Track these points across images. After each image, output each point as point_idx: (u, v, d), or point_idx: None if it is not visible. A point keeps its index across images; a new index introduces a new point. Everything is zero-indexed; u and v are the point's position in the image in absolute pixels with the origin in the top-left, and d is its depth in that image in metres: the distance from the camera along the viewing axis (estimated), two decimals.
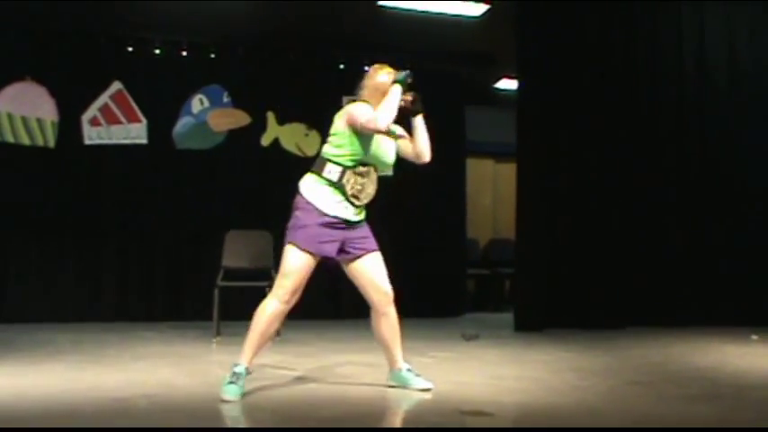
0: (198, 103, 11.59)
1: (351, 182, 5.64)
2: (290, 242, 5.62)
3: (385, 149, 5.80)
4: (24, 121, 10.83)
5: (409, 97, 5.83)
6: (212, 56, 11.70)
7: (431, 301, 12.17)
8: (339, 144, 5.69)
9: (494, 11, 10.59)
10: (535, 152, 10.36)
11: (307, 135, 11.79)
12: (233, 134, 11.65)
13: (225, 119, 11.64)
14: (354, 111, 5.67)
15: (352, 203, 5.68)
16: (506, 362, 7.51)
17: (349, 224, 5.71)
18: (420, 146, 5.94)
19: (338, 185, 5.63)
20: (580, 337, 9.40)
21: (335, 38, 11.74)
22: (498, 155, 14.81)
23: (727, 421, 5.03)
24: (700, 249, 10.73)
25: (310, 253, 5.57)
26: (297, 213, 5.67)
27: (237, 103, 11.71)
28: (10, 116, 10.77)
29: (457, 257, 12.96)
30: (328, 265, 5.84)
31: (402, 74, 5.82)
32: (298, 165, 11.23)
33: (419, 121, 5.94)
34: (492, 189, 15.38)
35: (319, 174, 5.68)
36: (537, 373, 6.77)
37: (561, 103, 10.47)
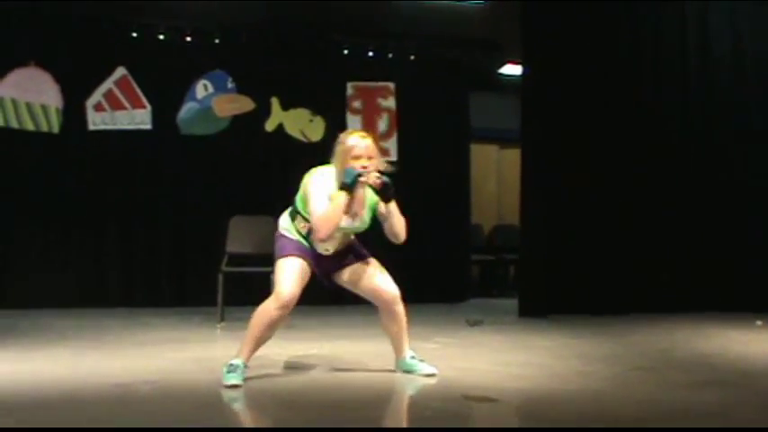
0: (202, 88, 11.58)
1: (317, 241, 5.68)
2: (278, 258, 5.70)
3: (347, 223, 5.69)
4: (29, 106, 10.83)
5: (378, 182, 5.56)
6: (216, 41, 11.67)
7: (435, 286, 12.17)
8: (305, 208, 5.68)
9: None
10: (539, 138, 10.34)
11: (311, 121, 11.77)
12: (237, 120, 11.64)
13: (229, 104, 11.62)
14: (311, 197, 5.58)
15: (322, 254, 5.76)
16: (511, 348, 7.50)
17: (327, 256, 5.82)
18: (394, 230, 5.78)
19: (307, 240, 5.72)
20: (584, 323, 9.39)
21: (340, 23, 11.72)
22: (503, 141, 14.78)
23: (732, 407, 5.02)
24: (704, 235, 10.70)
25: (301, 257, 5.64)
26: (281, 239, 5.80)
27: (242, 88, 11.69)
28: (14, 102, 10.76)
29: (461, 243, 12.96)
30: (326, 285, 5.92)
31: (348, 178, 5.49)
32: (302, 150, 11.36)
33: (391, 208, 5.73)
34: (496, 175, 15.36)
35: (293, 220, 5.78)
36: (541, 359, 6.76)
37: (565, 89, 10.44)
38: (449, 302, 11.92)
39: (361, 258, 5.88)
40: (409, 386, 5.69)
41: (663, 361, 6.81)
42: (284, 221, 5.84)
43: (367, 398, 5.31)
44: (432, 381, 5.74)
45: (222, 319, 9.13)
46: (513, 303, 10.59)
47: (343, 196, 5.49)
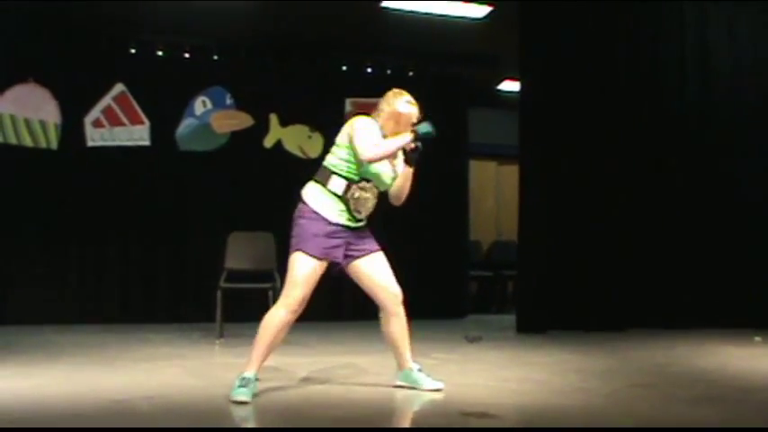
0: (201, 104, 11.59)
1: (355, 196, 5.65)
2: (297, 250, 5.58)
3: (386, 169, 5.78)
4: (27, 122, 10.83)
5: (412, 145, 5.68)
6: (215, 58, 11.69)
7: (434, 302, 12.15)
8: (344, 157, 5.67)
9: (497, 12, 10.59)
10: (538, 154, 10.36)
11: (309, 137, 11.78)
12: (236, 136, 11.65)
13: (228, 120, 11.64)
14: (358, 130, 5.61)
15: (354, 217, 5.69)
16: (509, 364, 7.51)
17: (351, 229, 5.71)
18: (399, 190, 5.87)
19: (343, 198, 5.63)
20: (583, 338, 9.40)
21: (338, 39, 11.75)
22: (501, 157, 14.81)
23: (731, 423, 5.02)
24: (701, 250, 10.71)
25: (319, 259, 5.56)
26: (301, 222, 5.63)
27: (240, 104, 11.70)
28: (13, 118, 10.77)
29: (460, 259, 12.97)
30: (333, 270, 5.80)
31: (425, 129, 5.63)
32: (300, 167, 11.34)
33: (408, 171, 5.82)
34: (495, 191, 15.38)
35: (323, 184, 5.66)
36: (540, 375, 6.77)
37: (564, 105, 10.46)
38: (447, 318, 11.91)
39: (374, 253, 5.83)
40: (408, 402, 5.69)
41: (661, 377, 6.81)
42: (312, 189, 5.70)
43: (366, 414, 5.30)
44: (437, 396, 5.73)
45: (221, 335, 9.12)
46: (511, 319, 10.60)
47: (408, 138, 5.61)
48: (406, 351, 5.97)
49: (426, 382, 5.91)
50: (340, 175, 5.64)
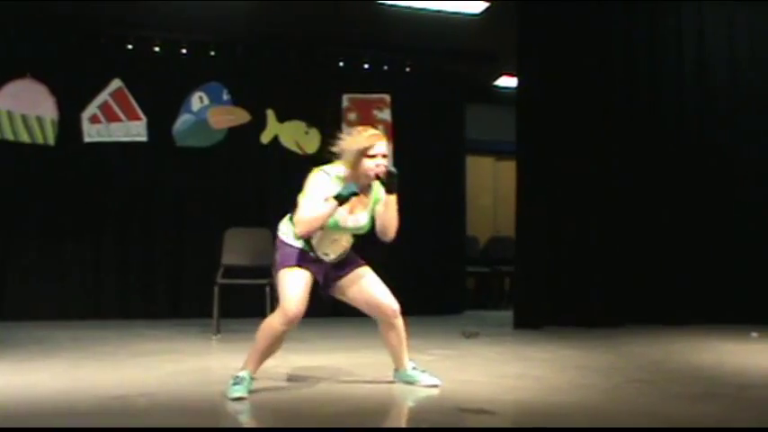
0: (198, 100, 11.58)
1: (321, 243, 5.66)
2: (281, 269, 5.62)
3: (354, 219, 5.68)
4: (24, 118, 10.81)
5: (384, 170, 5.54)
6: (212, 53, 11.67)
7: (431, 298, 12.16)
8: None
9: (493, 8, 10.59)
10: (535, 150, 10.35)
11: (307, 133, 11.77)
12: (233, 132, 11.64)
13: (225, 116, 11.62)
14: (304, 192, 5.55)
15: (323, 259, 5.70)
16: (507, 360, 7.50)
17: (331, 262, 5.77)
18: (384, 222, 5.72)
19: (308, 243, 5.64)
20: (580, 334, 9.41)
21: (335, 35, 11.74)
22: (498, 153, 14.83)
23: (729, 420, 5.02)
24: (699, 247, 10.72)
25: (304, 269, 5.58)
26: (279, 252, 5.71)
27: (237, 100, 11.69)
28: (10, 114, 10.75)
29: (457, 255, 12.96)
30: (323, 296, 5.84)
31: (345, 191, 5.44)
32: (298, 162, 11.36)
33: (391, 200, 5.66)
34: (492, 187, 15.40)
35: (294, 226, 5.64)
36: (538, 371, 6.76)
37: (561, 101, 10.46)
38: (444, 314, 11.92)
39: (359, 270, 5.83)
40: (406, 398, 5.69)
41: (659, 373, 6.81)
42: (284, 227, 5.75)
43: (364, 410, 5.30)
44: (433, 392, 5.74)
45: (218, 331, 9.11)
46: (508, 315, 10.59)
47: (333, 205, 5.43)
48: (403, 355, 5.98)
49: (423, 378, 5.93)
50: None
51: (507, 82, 13.20)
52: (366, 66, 12.31)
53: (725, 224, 10.79)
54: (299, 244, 5.63)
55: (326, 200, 5.43)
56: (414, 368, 5.99)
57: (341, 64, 12.15)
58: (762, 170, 10.92)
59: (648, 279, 10.54)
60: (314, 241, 5.63)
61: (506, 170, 13.55)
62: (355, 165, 5.58)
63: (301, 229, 5.47)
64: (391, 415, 5.51)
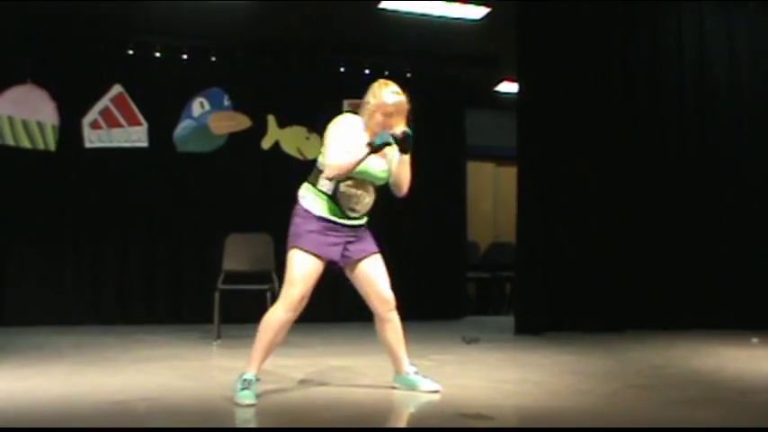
0: (198, 106, 11.59)
1: (345, 194, 5.58)
2: (293, 247, 5.56)
3: (374, 164, 5.67)
4: (25, 124, 10.83)
5: (398, 133, 5.58)
6: (213, 59, 11.69)
7: (431, 303, 12.16)
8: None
9: (494, 13, 10.60)
10: (536, 155, 10.35)
11: (307, 138, 11.78)
12: (234, 137, 11.65)
13: (225, 122, 11.64)
14: (332, 135, 5.57)
15: (348, 215, 5.65)
16: (507, 365, 7.50)
17: (349, 228, 5.68)
18: (398, 179, 5.81)
19: (333, 198, 5.59)
20: (580, 340, 9.40)
21: (336, 41, 11.76)
22: (499, 158, 14.83)
23: (729, 425, 5.02)
24: (699, 252, 10.72)
25: (316, 256, 5.52)
26: (297, 220, 5.62)
27: (238, 106, 11.70)
28: (11, 119, 10.77)
29: (457, 261, 12.96)
30: (333, 268, 5.78)
31: (379, 138, 5.52)
32: (298, 168, 11.33)
33: (404, 159, 5.75)
34: (493, 192, 15.39)
35: (314, 184, 5.64)
36: (538, 376, 6.76)
37: (562, 106, 10.46)
38: (445, 320, 11.92)
39: (373, 255, 5.80)
40: (406, 403, 5.68)
41: (659, 378, 6.81)
42: (304, 189, 5.68)
43: (363, 415, 5.31)
44: (434, 397, 5.73)
45: (218, 337, 9.11)
46: (508, 320, 10.61)
47: (366, 152, 5.48)
48: (401, 356, 5.96)
49: (423, 383, 5.91)
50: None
51: (508, 87, 13.21)
52: (367, 71, 12.30)
53: (725, 228, 10.80)
54: (322, 210, 5.58)
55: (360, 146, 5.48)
56: (415, 372, 5.97)
57: (342, 69, 12.16)
58: (763, 172, 10.91)
59: (648, 284, 10.54)
60: (340, 195, 5.57)
61: (507, 175, 13.54)
62: (374, 117, 5.66)
63: (332, 172, 5.47)
64: (391, 419, 5.52)
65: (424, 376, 5.97)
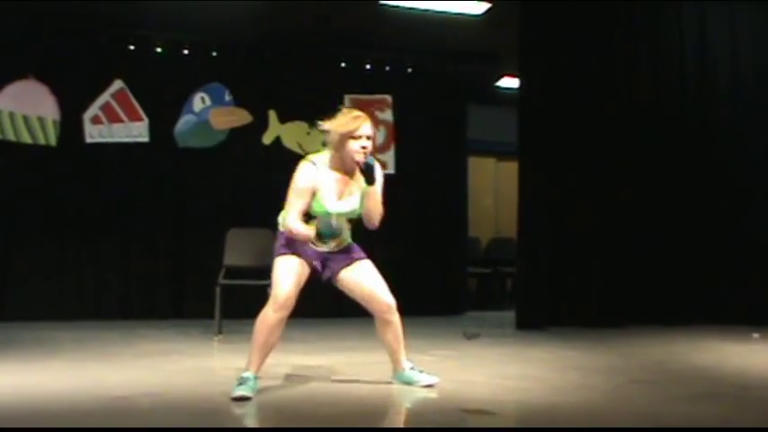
0: (199, 101, 11.59)
1: (317, 232, 5.70)
2: (276, 257, 5.72)
3: (344, 204, 5.73)
4: (26, 119, 10.82)
5: (362, 160, 5.60)
6: (214, 54, 11.68)
7: (432, 299, 12.17)
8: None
9: (495, 9, 10.59)
10: (537, 151, 10.36)
11: (308, 133, 11.76)
12: (234, 132, 11.65)
13: (226, 117, 11.63)
14: (291, 189, 5.71)
15: (325, 243, 5.78)
16: (508, 360, 7.50)
17: (326, 252, 5.82)
18: (368, 211, 5.76)
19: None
20: (582, 335, 9.41)
21: (337, 36, 11.75)
22: (500, 153, 14.81)
23: (731, 420, 5.02)
24: (701, 247, 10.72)
25: (297, 255, 5.65)
26: (278, 237, 5.82)
27: (239, 101, 11.70)
28: (11, 114, 10.76)
29: (459, 256, 12.97)
30: (323, 280, 5.86)
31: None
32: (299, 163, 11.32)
33: (371, 191, 5.68)
34: (494, 188, 15.39)
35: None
36: (539, 371, 6.76)
37: (563, 102, 10.47)
38: (446, 315, 11.92)
39: (360, 262, 5.85)
40: (407, 399, 5.68)
41: (661, 374, 6.81)
42: (281, 218, 5.80)
43: (364, 411, 5.30)
44: (432, 392, 5.73)
45: (220, 332, 9.11)
46: (510, 316, 10.61)
47: (309, 236, 5.62)
48: (400, 354, 5.99)
49: (421, 378, 5.93)
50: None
51: (509, 83, 13.19)
52: (368, 66, 12.32)
53: (726, 224, 10.79)
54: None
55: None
56: (411, 368, 5.99)
57: (343, 65, 12.16)
58: (765, 170, 10.91)
59: (650, 279, 10.54)
60: (310, 224, 5.66)
61: (508, 171, 13.53)
62: (340, 147, 5.65)
63: (286, 231, 5.65)
64: (392, 415, 5.52)
65: (420, 371, 5.99)
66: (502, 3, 10.36)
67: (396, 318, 5.88)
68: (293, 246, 5.67)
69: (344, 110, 5.87)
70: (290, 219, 5.59)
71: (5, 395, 5.58)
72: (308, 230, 5.56)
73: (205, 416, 5.10)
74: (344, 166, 5.70)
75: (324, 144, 5.84)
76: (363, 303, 5.90)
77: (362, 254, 5.91)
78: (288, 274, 5.61)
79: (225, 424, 5.08)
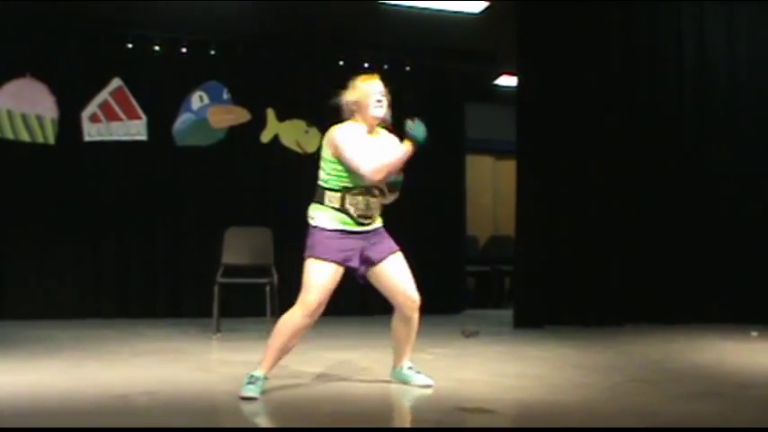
0: (198, 99, 11.58)
1: (353, 204, 5.60)
2: (309, 257, 5.55)
3: None
4: (24, 117, 10.81)
5: (381, 115, 5.78)
6: (212, 52, 11.66)
7: (431, 297, 12.04)
8: (332, 171, 5.62)
9: (493, 7, 10.57)
10: (535, 149, 10.36)
11: (306, 132, 11.76)
12: (233, 131, 11.63)
13: (225, 115, 11.63)
14: (344, 147, 5.56)
15: (361, 222, 5.64)
16: (507, 359, 7.51)
17: (364, 233, 5.68)
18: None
19: (342, 210, 5.59)
20: (580, 333, 9.41)
21: (335, 34, 11.74)
22: (498, 152, 14.83)
23: (729, 418, 5.03)
24: (699, 246, 10.72)
25: (333, 262, 5.52)
26: (312, 234, 5.62)
27: (237, 99, 11.68)
28: (10, 113, 10.75)
29: (457, 254, 12.97)
30: (357, 278, 5.79)
31: (418, 131, 5.60)
32: (297, 161, 11.38)
33: (404, 146, 5.69)
34: (492, 186, 15.40)
35: (321, 202, 5.63)
36: (537, 370, 6.77)
37: (561, 101, 10.46)
38: (444, 313, 11.88)
39: (393, 255, 5.83)
40: (405, 397, 5.69)
41: (659, 372, 6.82)
42: (312, 210, 5.66)
43: (362, 410, 5.31)
44: (427, 392, 5.74)
45: (218, 330, 9.11)
46: (508, 314, 10.60)
47: (407, 150, 5.60)
48: (405, 352, 6.00)
49: (417, 379, 5.93)
50: (333, 189, 5.61)
51: (507, 81, 13.18)
52: (366, 65, 12.30)
53: (725, 223, 10.79)
54: (335, 223, 5.58)
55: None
56: (410, 368, 5.99)
57: (341, 63, 12.13)
58: (763, 170, 10.91)
59: (648, 278, 10.54)
60: (348, 206, 5.59)
61: (506, 169, 13.56)
62: (364, 113, 5.73)
63: (378, 178, 5.54)
64: (391, 414, 5.52)
65: (418, 371, 5.99)
66: (500, 1, 10.36)
67: (416, 315, 5.90)
68: (329, 243, 5.54)
69: (361, 77, 5.98)
70: (369, 164, 5.49)
71: (4, 394, 5.58)
72: (405, 147, 5.57)
73: (204, 415, 5.11)
74: (370, 132, 5.76)
75: (343, 119, 5.82)
76: (389, 295, 5.87)
77: (395, 246, 5.88)
78: (321, 281, 5.49)
79: (224, 423, 5.09)
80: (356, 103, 5.75)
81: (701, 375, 6.68)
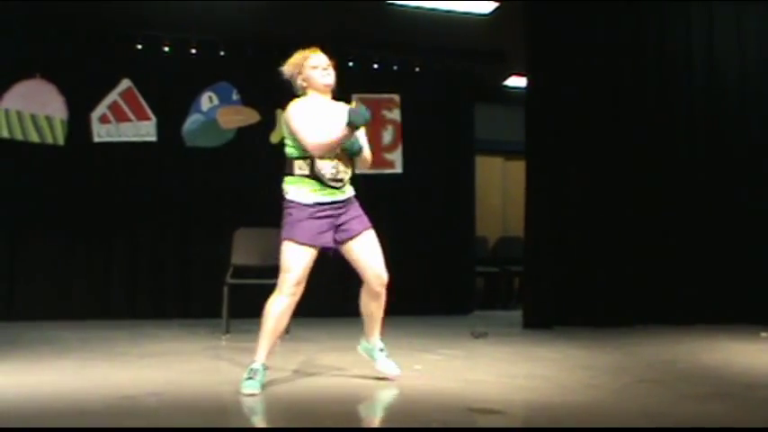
0: (207, 100, 11.59)
1: (323, 168, 5.76)
2: (286, 239, 5.72)
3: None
4: (34, 118, 10.83)
5: (329, 83, 6.12)
6: (222, 53, 11.69)
7: (440, 298, 12.18)
8: (294, 144, 5.90)
9: (503, 8, 10.58)
10: (544, 150, 10.35)
11: None
12: (242, 132, 11.65)
13: (234, 116, 11.64)
14: (292, 122, 5.90)
15: (335, 187, 5.79)
16: (516, 359, 7.49)
17: (338, 204, 5.81)
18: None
19: (314, 177, 5.77)
20: (589, 334, 9.39)
21: (344, 36, 11.73)
22: (508, 153, 14.82)
23: (738, 419, 5.01)
24: (708, 247, 10.70)
25: (309, 245, 5.67)
26: (286, 213, 5.82)
27: (247, 100, 11.70)
28: (19, 114, 10.78)
29: (466, 255, 12.96)
30: (331, 255, 5.94)
31: (357, 114, 5.65)
32: None
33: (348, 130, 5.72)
34: (501, 187, 15.38)
35: (291, 174, 5.89)
36: (547, 370, 6.75)
37: (570, 101, 10.45)
38: (453, 314, 11.92)
39: (366, 232, 5.92)
40: (413, 398, 5.67)
41: (669, 373, 6.80)
42: (285, 183, 5.93)
43: (371, 409, 5.31)
44: (443, 391, 5.74)
45: (227, 331, 9.13)
46: (517, 315, 10.59)
47: (346, 131, 5.62)
48: (375, 327, 6.14)
49: (384, 363, 6.12)
50: (300, 158, 5.84)
51: (517, 82, 13.18)
52: (375, 66, 12.32)
53: (734, 224, 10.77)
54: (307, 193, 5.77)
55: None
56: (381, 350, 6.16)
57: (350, 64, 12.12)
58: None
59: (657, 279, 10.52)
60: (318, 171, 5.78)
61: (516, 170, 13.54)
62: (309, 83, 6.11)
63: (318, 151, 5.69)
64: (399, 414, 5.51)
65: (387, 356, 6.15)
66: (509, 2, 10.36)
67: (383, 291, 5.99)
68: (306, 225, 5.69)
69: (300, 54, 6.46)
70: (313, 137, 5.68)
71: (12, 394, 5.59)
72: (344, 129, 5.60)
73: (212, 415, 5.11)
74: (324, 102, 6.02)
75: (297, 95, 6.13)
76: (360, 271, 5.96)
77: (368, 222, 5.97)
78: (298, 261, 5.64)
79: (232, 424, 5.08)
80: (303, 76, 6.14)
81: (711, 376, 6.66)
